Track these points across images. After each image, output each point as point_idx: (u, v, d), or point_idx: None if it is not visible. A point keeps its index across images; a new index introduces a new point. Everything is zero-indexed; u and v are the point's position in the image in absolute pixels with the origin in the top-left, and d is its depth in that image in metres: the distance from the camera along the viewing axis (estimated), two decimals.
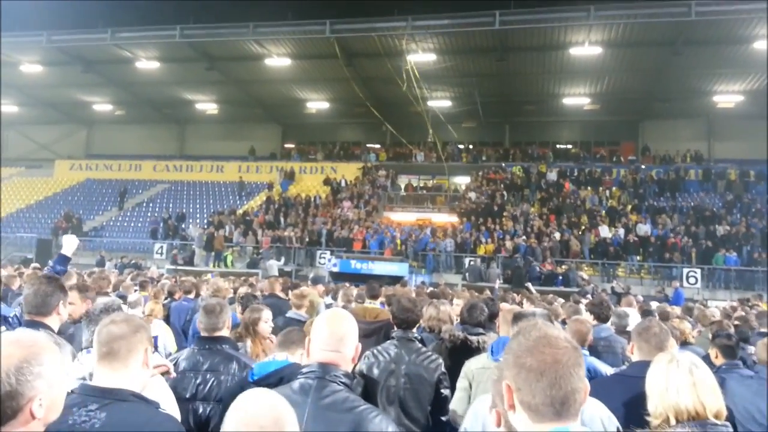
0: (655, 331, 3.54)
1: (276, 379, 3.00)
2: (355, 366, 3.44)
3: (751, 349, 5.95)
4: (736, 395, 3.78)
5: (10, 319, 4.39)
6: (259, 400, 1.70)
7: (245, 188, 35.38)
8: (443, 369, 4.10)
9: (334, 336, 2.49)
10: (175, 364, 3.58)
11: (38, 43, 29.85)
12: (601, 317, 6.27)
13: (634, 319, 7.12)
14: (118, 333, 2.32)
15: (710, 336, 5.85)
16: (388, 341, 4.29)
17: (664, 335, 3.53)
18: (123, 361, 2.29)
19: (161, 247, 27.89)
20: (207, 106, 37.68)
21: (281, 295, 8.68)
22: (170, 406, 2.82)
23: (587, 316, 6.11)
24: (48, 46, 29.89)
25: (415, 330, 4.63)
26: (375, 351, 4.16)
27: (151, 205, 34.84)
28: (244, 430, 1.61)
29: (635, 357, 3.58)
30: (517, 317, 3.85)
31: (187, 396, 3.43)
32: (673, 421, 2.45)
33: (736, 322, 7.96)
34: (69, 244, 5.59)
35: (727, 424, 2.44)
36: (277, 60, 29.51)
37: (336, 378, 2.40)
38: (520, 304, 9.68)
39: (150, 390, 2.73)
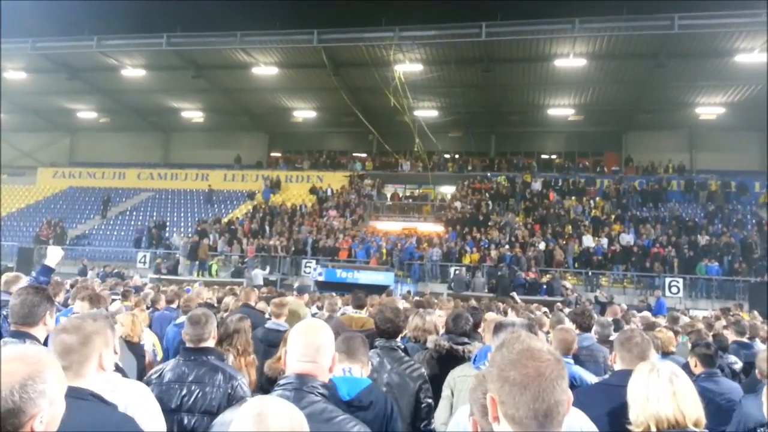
0: (637, 340, 3.55)
1: (368, 402, 3.00)
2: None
3: (729, 358, 6.04)
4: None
5: None
6: (280, 410, 1.68)
7: (214, 196, 35.29)
8: (425, 378, 4.10)
9: (310, 347, 2.48)
10: (160, 375, 3.58)
11: (23, 50, 29.66)
12: (583, 326, 6.32)
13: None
14: (68, 345, 2.35)
15: (690, 345, 5.95)
16: (372, 350, 4.29)
17: (645, 345, 3.55)
18: (75, 372, 2.32)
19: (144, 256, 27.69)
20: (193, 114, 37.56)
21: (255, 306, 8.41)
22: (156, 417, 2.82)
23: (570, 326, 6.16)
24: (33, 53, 29.72)
25: (399, 339, 4.65)
26: None
27: (134, 213, 34.61)
28: None
29: (618, 366, 3.60)
30: (498, 327, 3.87)
31: (173, 407, 3.40)
32: (653, 430, 2.48)
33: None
34: (53, 255, 5.55)
35: None
36: (264, 69, 29.52)
37: (314, 389, 2.39)
38: (505, 313, 9.72)
39: (134, 400, 2.75)
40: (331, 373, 2.57)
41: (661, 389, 2.53)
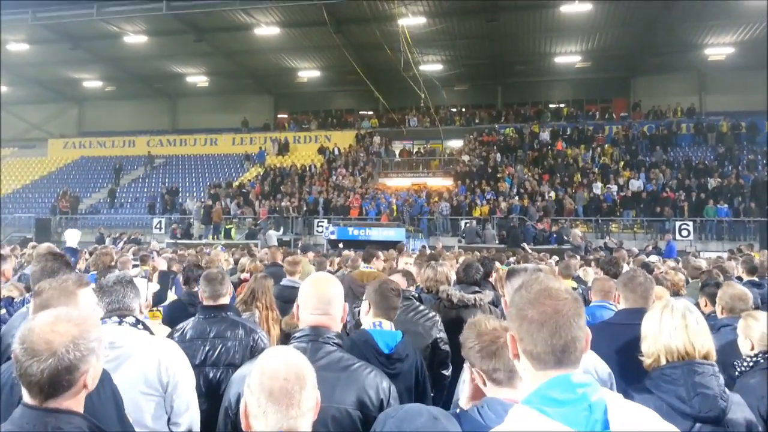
0: (640, 280, 3.63)
1: (404, 354, 3.12)
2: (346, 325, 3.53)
3: None
4: None
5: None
6: (286, 356, 1.83)
7: (153, 161, 35.88)
8: (440, 326, 4.24)
9: (322, 299, 2.57)
10: (182, 333, 3.73)
11: (24, 21, 29.39)
12: (611, 273, 6.47)
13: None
14: None
15: (699, 285, 6.07)
16: None
17: (648, 284, 3.63)
18: None
19: (160, 221, 28.03)
20: (197, 78, 37.37)
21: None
22: (187, 372, 3.02)
23: (592, 273, 6.28)
24: (34, 23, 29.43)
25: (412, 289, 4.80)
26: None
27: (147, 180, 34.85)
28: (269, 382, 1.73)
29: (621, 305, 3.70)
30: (511, 273, 4.00)
31: (197, 362, 3.54)
32: (663, 361, 2.60)
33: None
34: (72, 237, 5.77)
35: (714, 364, 2.58)
36: (266, 29, 29.17)
37: (329, 339, 2.50)
38: (517, 263, 9.87)
39: (167, 354, 2.97)
40: (343, 322, 2.68)
41: (673, 323, 2.62)
